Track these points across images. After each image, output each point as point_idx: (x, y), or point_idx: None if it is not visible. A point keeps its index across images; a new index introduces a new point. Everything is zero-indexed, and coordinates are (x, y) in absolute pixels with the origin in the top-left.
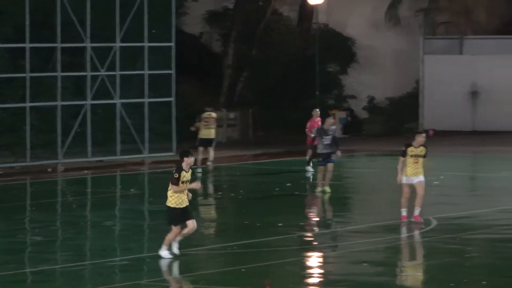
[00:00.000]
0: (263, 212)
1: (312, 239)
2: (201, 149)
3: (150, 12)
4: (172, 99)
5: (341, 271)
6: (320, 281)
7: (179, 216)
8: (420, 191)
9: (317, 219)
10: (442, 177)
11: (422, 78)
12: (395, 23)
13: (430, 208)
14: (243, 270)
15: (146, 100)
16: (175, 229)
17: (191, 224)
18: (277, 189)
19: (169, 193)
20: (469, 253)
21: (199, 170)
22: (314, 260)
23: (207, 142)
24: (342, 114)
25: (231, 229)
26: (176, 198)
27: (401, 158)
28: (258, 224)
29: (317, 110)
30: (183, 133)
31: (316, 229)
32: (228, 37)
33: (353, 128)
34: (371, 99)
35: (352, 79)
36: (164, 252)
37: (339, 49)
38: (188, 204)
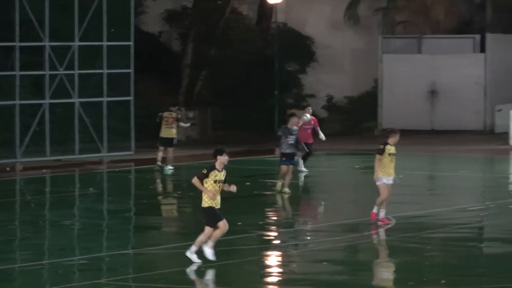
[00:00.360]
0: (222, 211)
1: (272, 238)
2: (161, 148)
3: (109, 11)
4: (130, 98)
5: (301, 270)
6: (279, 280)
7: (217, 215)
8: (388, 193)
9: (277, 218)
10: (401, 176)
11: (381, 77)
12: (354, 23)
13: (389, 207)
14: (202, 269)
15: (105, 99)
16: (208, 230)
17: (223, 225)
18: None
19: (204, 193)
20: (428, 252)
21: (170, 167)
22: (273, 259)
23: (167, 142)
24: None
25: (191, 228)
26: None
27: (378, 156)
28: None
29: (310, 108)
30: (142, 132)
31: (275, 228)
32: (187, 36)
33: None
34: (330, 98)
35: (311, 78)
36: (193, 256)
37: (298, 48)
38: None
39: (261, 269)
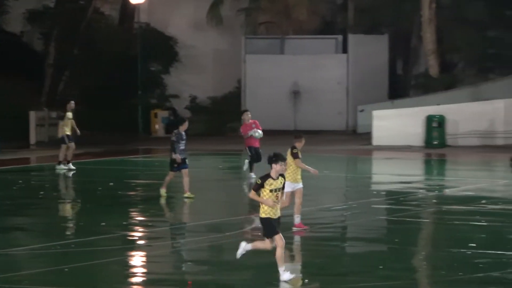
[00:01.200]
0: (86, 211)
1: (136, 238)
2: (70, 145)
3: None
4: None
5: (165, 270)
6: (144, 280)
7: (273, 227)
8: (300, 198)
9: (141, 218)
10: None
11: (244, 78)
12: (217, 23)
13: (252, 208)
14: (66, 269)
15: None
16: (269, 241)
17: (279, 239)
18: (100, 188)
19: (261, 204)
20: (292, 252)
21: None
22: (137, 259)
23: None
24: (164, 114)
25: (54, 228)
26: (267, 207)
27: (298, 160)
28: (81, 224)
29: (248, 113)
30: (4, 132)
31: (140, 228)
32: (50, 36)
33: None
34: (194, 99)
35: (175, 79)
36: (286, 275)
37: (161, 48)
38: (280, 215)
39: (125, 270)
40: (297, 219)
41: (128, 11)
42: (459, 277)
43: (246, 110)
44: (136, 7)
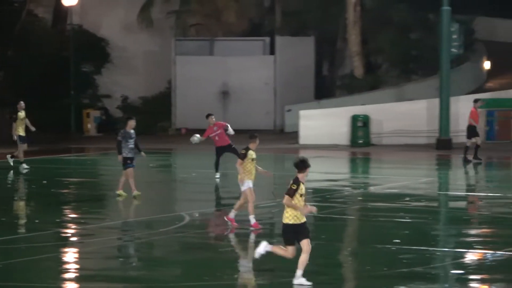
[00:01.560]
0: (20, 209)
1: (69, 235)
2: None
3: None
4: None
5: (97, 266)
6: (76, 276)
7: (294, 234)
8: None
9: (74, 215)
10: (194, 174)
11: (174, 78)
12: (148, 25)
13: (183, 204)
14: (0, 266)
15: None
16: (291, 249)
17: (306, 245)
18: (34, 186)
19: (286, 209)
20: (223, 248)
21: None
22: (70, 255)
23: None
24: (96, 113)
25: None
26: (293, 214)
27: (240, 161)
28: (15, 221)
29: (213, 116)
30: None
31: (72, 225)
32: None
33: (107, 127)
34: (125, 99)
35: (107, 79)
36: (301, 279)
37: (94, 49)
38: (305, 220)
39: (59, 266)
40: (253, 219)
41: (61, 13)
42: (384, 272)
43: (210, 114)
44: (68, 9)
